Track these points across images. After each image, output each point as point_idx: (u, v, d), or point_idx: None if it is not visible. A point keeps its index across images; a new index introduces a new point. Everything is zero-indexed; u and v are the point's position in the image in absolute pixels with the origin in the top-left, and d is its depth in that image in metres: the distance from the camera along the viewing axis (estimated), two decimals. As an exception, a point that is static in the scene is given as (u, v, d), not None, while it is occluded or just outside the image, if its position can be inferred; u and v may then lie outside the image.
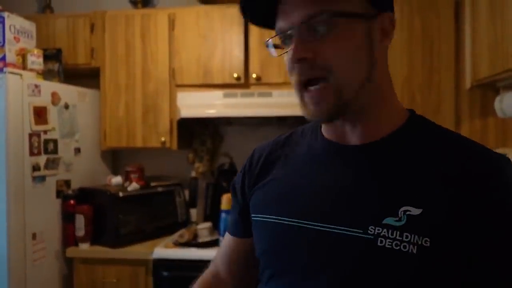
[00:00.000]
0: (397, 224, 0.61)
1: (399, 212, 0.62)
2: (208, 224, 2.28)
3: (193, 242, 2.17)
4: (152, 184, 2.44)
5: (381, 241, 0.61)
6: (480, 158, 0.64)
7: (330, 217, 0.67)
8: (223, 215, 2.19)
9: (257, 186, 0.80)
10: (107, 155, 2.67)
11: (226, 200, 2.20)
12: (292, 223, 0.70)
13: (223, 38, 2.40)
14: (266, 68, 2.36)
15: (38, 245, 2.08)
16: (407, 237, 0.60)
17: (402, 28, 2.22)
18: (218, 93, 2.37)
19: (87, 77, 2.60)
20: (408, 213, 0.62)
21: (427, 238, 0.60)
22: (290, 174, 0.76)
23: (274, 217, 0.73)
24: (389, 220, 0.62)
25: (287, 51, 0.67)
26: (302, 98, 0.68)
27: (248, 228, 0.83)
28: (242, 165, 0.88)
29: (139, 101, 2.48)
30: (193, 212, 2.59)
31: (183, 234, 2.20)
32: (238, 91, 2.36)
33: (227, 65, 2.40)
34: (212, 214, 2.45)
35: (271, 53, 0.73)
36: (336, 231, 0.65)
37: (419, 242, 0.60)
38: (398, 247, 0.60)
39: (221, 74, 2.40)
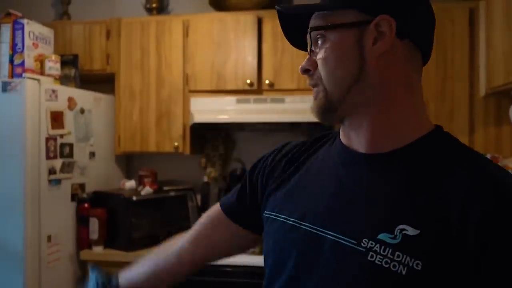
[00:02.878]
0: (392, 241, 0.60)
1: (396, 230, 0.61)
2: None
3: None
4: (165, 188, 2.46)
5: (372, 256, 0.61)
6: (492, 187, 0.60)
7: (327, 221, 0.68)
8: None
9: (275, 184, 0.81)
10: (121, 160, 2.71)
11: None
12: (295, 224, 0.72)
13: (237, 44, 2.42)
14: (279, 74, 2.37)
15: (53, 247, 2.11)
16: (398, 256, 0.59)
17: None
18: (231, 98, 2.39)
19: (102, 82, 2.64)
20: (404, 232, 0.60)
21: (419, 261, 0.58)
22: (304, 175, 0.78)
23: (282, 216, 0.75)
24: (383, 236, 0.61)
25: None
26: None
27: (247, 218, 0.86)
28: (267, 154, 0.88)
29: (153, 106, 2.51)
30: (205, 217, 2.60)
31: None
32: (251, 97, 2.38)
33: (240, 71, 2.42)
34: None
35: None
36: (331, 237, 0.66)
37: (410, 264, 0.58)
38: (388, 265, 0.59)
39: (234, 80, 2.42)
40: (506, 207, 0.57)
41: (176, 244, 0.95)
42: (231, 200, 0.90)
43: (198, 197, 2.64)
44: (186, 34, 2.48)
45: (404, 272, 0.58)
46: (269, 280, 0.76)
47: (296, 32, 0.77)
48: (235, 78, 2.42)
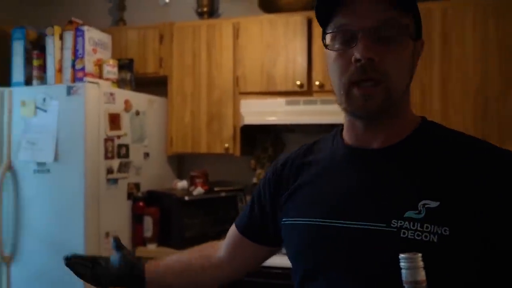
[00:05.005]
0: (418, 216, 0.67)
1: (419, 206, 0.68)
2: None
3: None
4: (216, 189, 2.50)
5: (404, 233, 0.67)
6: (490, 154, 0.72)
7: (355, 214, 0.72)
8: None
9: (287, 192, 0.85)
10: (172, 160, 2.78)
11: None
12: (321, 223, 0.75)
13: (287, 46, 2.42)
14: (329, 76, 2.34)
15: (110, 244, 2.20)
16: (427, 227, 0.66)
17: (475, 33, 2.13)
18: (281, 100, 2.39)
19: (155, 85, 2.73)
20: (427, 206, 0.67)
21: (446, 227, 0.65)
22: (315, 179, 0.81)
23: (305, 219, 0.78)
24: (410, 214, 0.68)
25: (338, 49, 0.73)
26: (349, 95, 0.72)
27: (262, 234, 0.91)
28: (266, 173, 0.93)
29: (204, 108, 2.56)
30: (254, 218, 2.62)
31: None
32: (301, 98, 2.37)
33: (290, 72, 2.41)
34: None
35: (330, 46, 0.74)
36: (362, 227, 0.71)
37: (439, 232, 0.65)
38: (420, 237, 0.66)
39: (284, 82, 2.42)
40: (509, 168, 0.69)
41: (207, 259, 1.00)
42: (244, 221, 0.95)
43: (248, 198, 2.66)
44: (236, 36, 2.51)
45: (435, 240, 0.65)
46: (303, 280, 0.78)
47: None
48: (285, 79, 2.42)
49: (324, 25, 0.76)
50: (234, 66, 2.51)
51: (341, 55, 0.72)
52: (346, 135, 0.82)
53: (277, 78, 2.44)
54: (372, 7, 0.70)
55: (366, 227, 0.70)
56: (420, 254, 0.57)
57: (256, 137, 2.73)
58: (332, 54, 0.74)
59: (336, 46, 0.73)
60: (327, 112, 2.30)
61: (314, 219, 0.76)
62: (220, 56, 2.54)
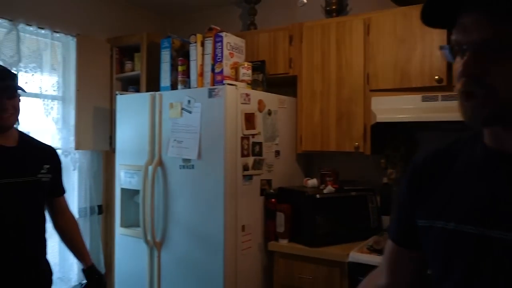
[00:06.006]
0: None
1: None
2: (404, 233, 2.20)
3: (388, 250, 2.12)
4: (346, 188, 2.48)
5: None
6: None
7: (490, 222, 0.69)
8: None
9: (423, 193, 0.83)
10: (301, 158, 2.84)
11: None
12: (453, 228, 0.74)
13: (423, 39, 2.29)
14: (473, 68, 2.16)
15: (246, 236, 2.34)
16: None
17: None
18: (416, 97, 2.28)
19: (285, 85, 2.81)
20: None
21: None
22: (452, 181, 0.79)
23: (441, 222, 0.77)
24: None
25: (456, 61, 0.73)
26: (461, 105, 0.72)
27: (411, 237, 0.87)
28: (407, 171, 0.90)
29: (333, 107, 2.56)
30: (385, 219, 2.54)
31: (379, 241, 2.18)
32: (439, 94, 2.22)
33: (426, 67, 2.28)
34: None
35: (447, 57, 0.76)
36: (499, 236, 0.68)
37: None
38: None
39: (420, 77, 2.30)
40: None
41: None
42: (395, 229, 0.94)
43: (378, 198, 2.59)
44: (367, 32, 2.46)
45: None
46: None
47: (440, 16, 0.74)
48: (421, 74, 2.30)
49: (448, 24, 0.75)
50: (365, 63, 2.46)
51: (458, 63, 0.71)
52: (486, 137, 0.78)
53: (411, 73, 2.32)
54: (481, 24, 0.68)
55: (505, 237, 0.68)
56: None
57: (387, 135, 2.64)
58: (456, 65, 0.73)
59: (455, 57, 0.73)
60: (470, 108, 2.12)
61: (450, 223, 0.75)
62: (350, 54, 2.51)
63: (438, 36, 2.24)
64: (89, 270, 1.85)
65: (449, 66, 2.22)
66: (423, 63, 2.29)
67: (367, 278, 1.05)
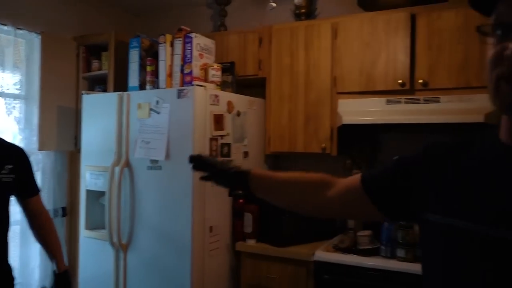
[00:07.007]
0: None
1: None
2: (368, 232, 2.26)
3: (353, 249, 2.18)
4: (313, 188, 2.52)
5: None
6: None
7: (506, 222, 0.66)
8: (385, 224, 2.15)
9: (430, 185, 0.80)
10: (269, 159, 2.86)
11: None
12: (464, 227, 0.71)
13: (388, 44, 2.36)
14: (434, 73, 2.25)
15: (214, 237, 2.34)
16: None
17: None
18: (381, 99, 2.34)
19: (254, 86, 2.83)
20: None
21: None
22: (468, 179, 0.75)
23: (450, 219, 0.74)
24: None
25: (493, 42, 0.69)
26: (497, 90, 0.68)
27: (387, 202, 0.90)
28: (416, 155, 0.88)
29: (301, 108, 2.60)
30: (351, 218, 2.59)
31: (344, 239, 2.23)
32: (402, 97, 2.30)
33: (391, 71, 2.35)
34: (372, 222, 2.42)
35: (484, 39, 0.72)
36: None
37: None
38: None
39: (384, 81, 2.37)
40: None
41: (324, 188, 1.03)
42: (374, 180, 0.95)
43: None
44: (334, 36, 2.51)
45: None
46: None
47: None
48: (385, 78, 2.37)
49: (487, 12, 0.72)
50: (332, 66, 2.51)
51: (495, 47, 0.68)
52: (503, 133, 0.75)
53: (376, 77, 2.39)
54: None
55: None
56: None
57: (353, 137, 2.70)
58: (489, 46, 0.70)
59: (492, 39, 0.70)
60: (430, 111, 2.21)
61: (460, 221, 0.72)
62: (318, 57, 2.56)
63: (402, 42, 2.32)
64: (59, 276, 1.79)
65: (412, 70, 2.30)
66: (388, 67, 2.36)
67: (326, 175, 1.06)
